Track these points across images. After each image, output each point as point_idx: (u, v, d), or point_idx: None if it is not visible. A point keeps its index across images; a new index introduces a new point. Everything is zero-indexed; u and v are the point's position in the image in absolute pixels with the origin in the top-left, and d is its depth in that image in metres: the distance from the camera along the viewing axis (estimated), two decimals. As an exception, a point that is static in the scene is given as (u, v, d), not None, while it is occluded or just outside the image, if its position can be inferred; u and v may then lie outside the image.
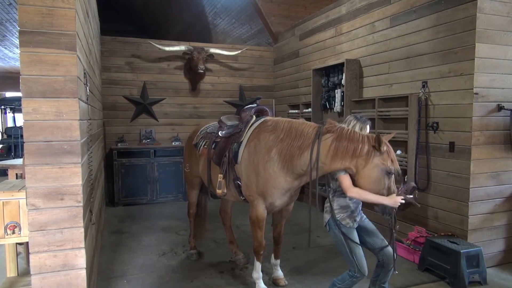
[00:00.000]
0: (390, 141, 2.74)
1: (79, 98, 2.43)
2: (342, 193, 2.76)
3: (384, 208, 2.70)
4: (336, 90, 5.73)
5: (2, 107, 11.78)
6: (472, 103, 3.72)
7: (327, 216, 2.88)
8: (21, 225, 2.59)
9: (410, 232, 4.29)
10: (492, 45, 3.72)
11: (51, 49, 2.30)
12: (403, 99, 4.50)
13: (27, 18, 2.25)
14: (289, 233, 4.95)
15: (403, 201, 2.64)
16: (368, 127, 2.95)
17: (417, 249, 4.02)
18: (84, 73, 2.91)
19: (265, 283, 3.44)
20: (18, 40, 2.31)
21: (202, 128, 4.11)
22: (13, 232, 2.59)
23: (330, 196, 2.87)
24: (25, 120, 2.29)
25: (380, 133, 4.71)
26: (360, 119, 2.93)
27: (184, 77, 7.48)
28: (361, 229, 2.90)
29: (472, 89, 3.71)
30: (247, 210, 3.39)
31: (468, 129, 3.77)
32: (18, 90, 12.01)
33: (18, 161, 4.90)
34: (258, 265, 3.40)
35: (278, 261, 3.63)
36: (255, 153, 3.18)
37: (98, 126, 4.82)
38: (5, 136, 11.33)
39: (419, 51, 4.32)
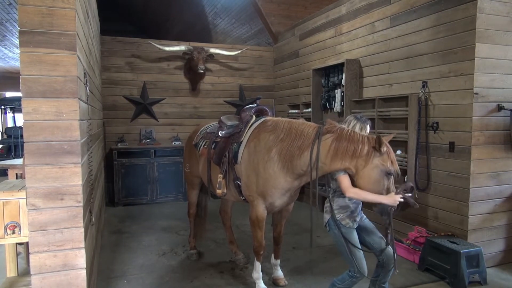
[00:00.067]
0: (390, 141, 2.75)
1: (79, 98, 2.43)
2: (342, 193, 2.76)
3: (382, 208, 2.70)
4: (336, 90, 5.74)
5: (2, 107, 11.78)
6: (472, 103, 3.72)
7: (327, 216, 2.88)
8: (21, 225, 2.59)
9: (410, 232, 4.29)
10: (492, 45, 3.73)
11: (51, 49, 2.30)
12: (403, 99, 4.50)
13: (27, 18, 2.25)
14: (289, 233, 4.95)
15: (402, 200, 2.64)
16: (368, 127, 2.95)
17: (417, 249, 4.02)
18: (84, 73, 2.91)
19: (265, 283, 3.44)
20: (18, 40, 2.31)
21: (202, 128, 4.11)
22: (13, 232, 2.59)
23: (330, 196, 2.87)
24: (25, 120, 2.29)
25: (380, 133, 4.72)
26: (360, 119, 2.93)
27: (184, 77, 7.48)
28: (361, 229, 2.90)
29: (472, 89, 3.71)
30: (247, 210, 3.39)
31: (468, 129, 3.77)
32: (18, 90, 12.00)
33: (18, 161, 4.90)
34: (258, 265, 3.40)
35: (278, 261, 3.63)
36: (255, 153, 3.18)
37: (98, 126, 4.82)
38: (5, 136, 11.33)
39: (419, 51, 4.32)
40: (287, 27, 7.45)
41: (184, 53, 7.14)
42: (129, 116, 7.19)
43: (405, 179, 4.28)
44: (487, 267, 3.67)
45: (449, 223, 4.00)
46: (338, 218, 2.79)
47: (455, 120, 3.92)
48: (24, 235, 2.60)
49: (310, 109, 6.31)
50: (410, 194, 2.70)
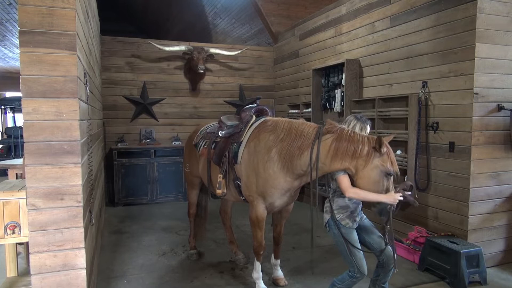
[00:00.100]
0: (390, 142, 2.74)
1: (79, 98, 2.43)
2: (341, 193, 2.76)
3: (381, 208, 2.70)
4: (336, 90, 5.74)
5: (2, 107, 11.79)
6: (472, 103, 3.72)
7: (326, 216, 2.88)
8: (21, 225, 2.59)
9: (410, 232, 4.29)
10: (492, 45, 3.72)
11: (51, 49, 2.30)
12: (403, 99, 4.50)
13: (27, 18, 2.25)
14: (289, 233, 4.95)
15: (402, 198, 2.64)
16: (368, 127, 2.95)
17: (417, 249, 4.02)
18: (84, 73, 2.91)
19: (265, 283, 3.44)
20: (18, 40, 2.31)
21: (202, 128, 4.11)
22: (13, 232, 2.59)
23: (330, 196, 2.87)
24: (25, 120, 2.29)
25: (380, 133, 4.72)
26: (361, 119, 2.93)
27: (184, 77, 7.48)
28: (361, 229, 2.90)
29: (472, 89, 3.71)
30: (247, 210, 3.39)
31: (468, 129, 3.77)
32: (18, 90, 12.01)
33: (18, 161, 4.90)
34: (258, 265, 3.40)
35: (278, 261, 3.63)
36: (255, 153, 3.18)
37: (98, 126, 4.82)
38: (5, 136, 11.33)
39: (419, 51, 4.32)
40: (287, 27, 7.45)
41: (184, 53, 7.14)
42: (129, 116, 7.19)
43: (405, 179, 4.28)
44: (487, 267, 3.67)
45: (449, 223, 4.00)
46: (338, 218, 2.79)
47: (455, 120, 3.92)
48: (24, 235, 2.60)
49: (310, 109, 6.31)
50: (410, 193, 2.71)
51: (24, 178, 2.50)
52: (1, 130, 12.63)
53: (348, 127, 2.86)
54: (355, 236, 2.82)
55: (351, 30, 5.51)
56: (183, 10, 10.02)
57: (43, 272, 2.37)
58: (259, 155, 3.14)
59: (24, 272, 3.31)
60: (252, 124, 3.38)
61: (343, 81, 5.44)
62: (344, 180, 2.71)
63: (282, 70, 7.72)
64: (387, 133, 4.67)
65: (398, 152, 4.51)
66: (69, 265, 2.43)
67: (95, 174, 3.86)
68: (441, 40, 4.04)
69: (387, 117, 4.76)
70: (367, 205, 2.89)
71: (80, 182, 2.41)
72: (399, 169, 2.77)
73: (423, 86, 4.22)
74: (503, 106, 3.81)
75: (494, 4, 3.70)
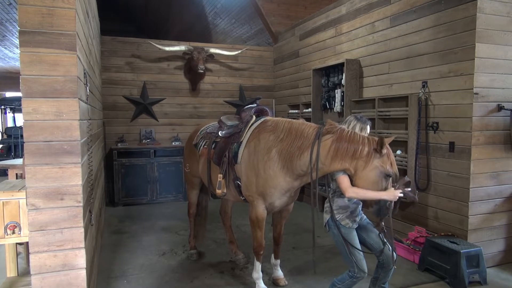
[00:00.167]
0: (390, 142, 2.74)
1: (79, 98, 2.43)
2: (341, 194, 2.76)
3: (379, 209, 2.70)
4: (336, 90, 5.73)
5: (2, 107, 11.79)
6: (472, 103, 3.72)
7: (326, 217, 2.88)
8: (21, 225, 2.59)
9: (410, 232, 4.29)
10: (492, 45, 3.72)
11: (51, 49, 2.30)
12: (403, 99, 4.50)
13: (27, 18, 2.25)
14: (289, 233, 4.95)
15: (402, 195, 2.64)
16: (368, 127, 2.95)
17: (417, 249, 4.02)
18: (84, 73, 2.91)
19: (265, 283, 3.44)
20: (18, 40, 2.31)
21: (202, 128, 4.11)
22: (13, 232, 2.59)
23: (330, 197, 2.87)
24: (25, 120, 2.29)
25: (380, 133, 4.72)
26: (361, 119, 2.93)
27: (184, 77, 7.48)
28: (361, 229, 2.90)
29: (472, 89, 3.71)
30: (247, 210, 3.39)
31: (468, 129, 3.77)
32: (18, 90, 12.01)
33: (18, 161, 4.90)
34: (258, 265, 3.40)
35: (278, 261, 3.63)
36: (255, 153, 3.18)
37: (98, 126, 4.82)
38: (5, 136, 11.34)
39: (419, 51, 4.32)
40: (287, 27, 7.45)
41: (184, 53, 7.14)
42: (129, 116, 7.19)
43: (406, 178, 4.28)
44: (487, 267, 3.67)
45: (449, 223, 4.00)
46: (337, 219, 2.79)
47: (455, 120, 3.92)
48: (24, 235, 2.60)
49: (310, 109, 6.31)
50: (409, 189, 2.70)
51: (24, 178, 2.50)
52: (1, 130, 12.64)
53: (348, 128, 2.86)
54: (355, 236, 2.82)
55: (351, 30, 5.51)
56: (183, 10, 10.02)
57: (43, 272, 2.37)
58: (259, 155, 3.14)
59: (24, 272, 3.31)
60: (252, 124, 3.38)
61: (343, 81, 5.44)
62: (344, 180, 2.71)
63: (282, 70, 7.72)
64: (387, 133, 4.67)
65: (398, 152, 4.51)
66: (69, 265, 2.43)
67: (95, 174, 3.86)
68: (441, 40, 4.04)
69: (387, 117, 4.76)
70: (365, 206, 2.88)
71: (80, 182, 2.41)
72: (399, 169, 2.77)
73: (423, 86, 4.22)
74: (503, 106, 3.81)
75: (494, 4, 3.70)
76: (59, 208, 2.37)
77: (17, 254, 3.15)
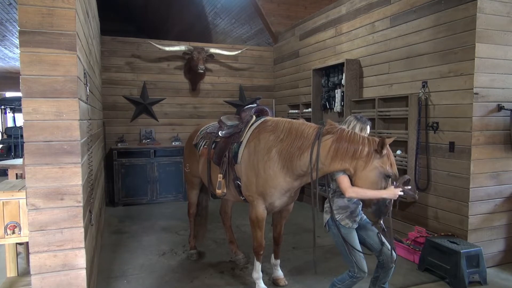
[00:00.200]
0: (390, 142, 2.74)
1: (79, 98, 2.43)
2: (341, 194, 2.76)
3: (379, 208, 2.70)
4: (336, 90, 5.73)
5: (2, 107, 11.79)
6: (472, 103, 3.72)
7: (326, 217, 2.88)
8: (21, 225, 2.59)
9: (410, 232, 4.29)
10: (492, 45, 3.72)
11: (51, 49, 2.30)
12: (403, 99, 4.50)
13: (27, 18, 2.25)
14: (289, 233, 4.95)
15: (402, 193, 2.64)
16: (368, 127, 2.95)
17: (417, 249, 4.02)
18: (84, 73, 2.91)
19: (265, 283, 3.44)
20: (18, 40, 2.31)
21: (202, 128, 4.11)
22: (13, 232, 2.59)
23: (330, 197, 2.87)
24: (25, 120, 2.29)
25: (380, 133, 4.72)
26: (361, 120, 2.93)
27: (184, 77, 7.48)
28: (361, 229, 2.90)
29: (472, 89, 3.71)
30: (247, 210, 3.39)
31: (468, 129, 3.77)
32: (18, 90, 12.01)
33: (18, 161, 4.90)
34: (258, 265, 3.40)
35: (278, 261, 3.63)
36: (255, 153, 3.18)
37: (98, 126, 4.82)
38: (5, 136, 11.34)
39: (419, 51, 4.32)
40: (287, 27, 7.45)
41: (184, 53, 7.14)
42: (129, 116, 7.19)
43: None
44: (487, 267, 3.67)
45: (449, 223, 4.00)
46: (337, 219, 2.79)
47: (455, 120, 3.92)
48: (24, 235, 2.60)
49: (310, 109, 6.31)
50: (409, 187, 2.71)
51: (24, 178, 2.50)
52: (1, 130, 12.64)
53: (348, 128, 2.86)
54: (355, 236, 2.82)
55: (351, 30, 5.51)
56: (183, 10, 10.02)
57: (43, 272, 2.37)
58: (259, 155, 3.14)
59: (24, 272, 3.31)
60: (252, 124, 3.38)
61: (343, 81, 5.44)
62: (344, 180, 2.71)
63: (282, 70, 7.72)
64: (387, 133, 4.67)
65: (398, 152, 4.51)
66: (69, 265, 2.43)
67: (95, 174, 3.86)
68: (441, 40, 4.04)
69: (387, 117, 4.76)
70: (365, 206, 2.88)
71: (80, 182, 2.41)
72: (399, 169, 2.77)
73: (423, 86, 4.22)
74: (503, 106, 3.81)
75: (494, 4, 3.70)
76: (59, 208, 2.37)
77: (17, 254, 3.15)
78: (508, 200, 3.96)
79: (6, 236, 2.58)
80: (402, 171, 4.25)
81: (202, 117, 7.52)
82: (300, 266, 4.02)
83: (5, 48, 11.07)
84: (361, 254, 2.75)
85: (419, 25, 4.31)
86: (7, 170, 4.69)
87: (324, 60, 6.16)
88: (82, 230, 2.44)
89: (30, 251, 2.35)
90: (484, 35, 3.69)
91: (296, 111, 6.93)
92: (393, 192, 2.61)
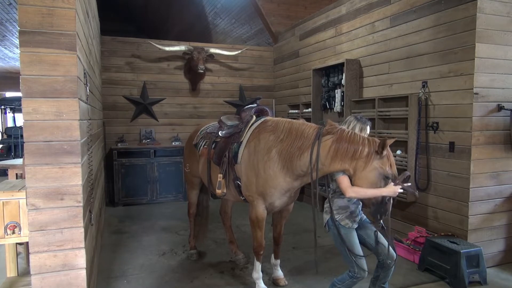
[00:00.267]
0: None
1: (79, 98, 2.43)
2: (341, 194, 2.76)
3: (378, 208, 2.70)
4: (336, 90, 5.73)
5: (2, 107, 11.79)
6: (472, 103, 3.72)
7: (326, 217, 2.88)
8: (21, 225, 2.59)
9: (410, 232, 4.29)
10: (492, 45, 3.72)
11: (51, 49, 2.30)
12: (403, 99, 4.50)
13: (27, 18, 2.25)
14: (289, 233, 4.95)
15: (402, 190, 2.64)
16: (368, 128, 2.95)
17: (417, 249, 4.02)
18: (84, 73, 2.91)
19: (265, 283, 3.44)
20: (18, 40, 2.31)
21: (202, 128, 4.11)
22: (13, 232, 2.59)
23: (330, 197, 2.87)
24: (25, 120, 2.29)
25: (380, 133, 4.72)
26: (361, 120, 2.93)
27: (184, 77, 7.48)
28: (361, 229, 2.90)
29: (472, 89, 3.71)
30: (247, 210, 3.39)
31: (468, 129, 3.77)
32: (18, 90, 12.01)
33: (18, 161, 4.90)
34: (258, 265, 3.40)
35: (278, 261, 3.63)
36: (255, 153, 3.18)
37: (98, 126, 4.82)
38: (5, 136, 11.34)
39: (419, 51, 4.32)
40: (287, 27, 7.45)
41: (184, 53, 7.14)
42: (129, 116, 7.19)
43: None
44: (487, 267, 3.67)
45: (449, 223, 4.00)
46: (337, 219, 2.80)
47: (455, 120, 3.92)
48: (24, 235, 2.60)
49: (310, 109, 6.31)
50: (409, 184, 2.71)
51: (24, 178, 2.50)
52: (1, 130, 12.64)
53: (348, 128, 2.86)
54: (354, 236, 2.81)
55: (351, 30, 5.51)
56: (183, 10, 10.02)
57: (43, 272, 2.37)
58: (259, 155, 3.14)
59: (24, 272, 3.31)
60: (252, 124, 3.38)
61: (343, 81, 5.44)
62: (344, 181, 2.71)
63: (282, 70, 7.72)
64: (387, 133, 4.67)
65: (398, 152, 4.51)
66: (69, 265, 2.43)
67: (95, 174, 3.86)
68: (441, 40, 4.04)
69: (387, 117, 4.76)
70: (365, 206, 2.88)
71: (80, 182, 2.41)
72: (399, 169, 2.77)
73: (423, 86, 4.22)
74: (503, 106, 3.81)
75: (494, 4, 3.70)
76: (59, 208, 2.37)
77: (17, 254, 3.15)
78: (508, 200, 3.96)
79: (6, 236, 2.58)
80: (402, 171, 4.23)
81: (202, 117, 7.52)
82: (300, 266, 4.02)
83: (5, 48, 11.07)
84: (361, 255, 2.75)
85: (419, 25, 4.31)
86: (7, 170, 4.69)
87: (324, 60, 6.16)
88: (82, 230, 2.44)
89: (30, 251, 2.35)
90: (484, 35, 3.69)
91: (296, 111, 6.93)
92: (393, 190, 2.61)
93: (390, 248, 2.80)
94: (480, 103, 3.74)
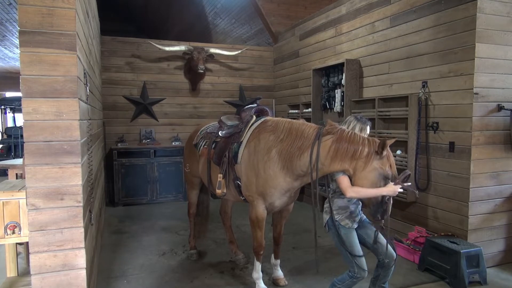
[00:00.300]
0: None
1: (79, 98, 2.43)
2: (341, 194, 2.76)
3: (377, 208, 2.70)
4: (336, 90, 5.73)
5: (2, 107, 11.80)
6: (472, 103, 3.72)
7: (326, 217, 2.88)
8: (21, 225, 2.59)
9: (410, 232, 4.29)
10: (492, 45, 3.72)
11: (51, 49, 2.30)
12: (403, 99, 4.50)
13: (27, 18, 2.25)
14: (289, 233, 4.95)
15: (402, 190, 2.64)
16: (368, 128, 2.95)
17: (417, 249, 4.02)
18: (84, 73, 2.91)
19: (265, 283, 3.44)
20: (18, 40, 2.31)
21: (202, 128, 4.11)
22: (13, 232, 2.59)
23: (330, 197, 2.87)
24: (25, 120, 2.29)
25: (380, 133, 4.72)
26: (361, 120, 2.93)
27: (184, 77, 7.48)
28: (361, 229, 2.90)
29: (472, 89, 3.71)
30: (247, 210, 3.39)
31: (468, 129, 3.77)
32: (18, 90, 12.02)
33: (18, 161, 4.90)
34: (258, 265, 3.40)
35: (278, 261, 3.63)
36: (255, 153, 3.18)
37: (98, 126, 4.82)
38: (5, 136, 11.34)
39: (419, 51, 4.32)
40: (287, 27, 7.45)
41: (184, 53, 7.14)
42: (129, 116, 7.19)
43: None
44: (487, 267, 3.67)
45: (449, 223, 4.00)
46: (337, 219, 2.80)
47: (455, 120, 3.92)
48: (24, 235, 2.60)
49: (310, 109, 6.31)
50: (409, 183, 2.71)
51: (24, 178, 2.50)
52: (1, 130, 12.64)
53: (348, 128, 2.87)
54: (354, 236, 2.81)
55: (351, 30, 5.51)
56: (183, 10, 10.02)
57: (43, 272, 2.37)
58: (259, 155, 3.14)
59: (24, 272, 3.31)
60: (252, 124, 3.38)
61: (343, 81, 5.44)
62: (344, 181, 2.71)
63: (282, 70, 7.72)
64: (387, 133, 4.67)
65: (398, 152, 4.51)
66: (69, 265, 2.43)
67: (95, 174, 3.86)
68: (441, 40, 4.04)
69: (387, 117, 4.76)
70: (365, 206, 2.89)
71: (80, 182, 2.41)
72: (399, 169, 2.77)
73: (423, 86, 4.22)
74: (503, 106, 3.81)
75: (494, 4, 3.70)
76: (59, 208, 2.37)
77: (17, 254, 3.15)
78: (508, 200, 3.96)
79: (6, 236, 2.58)
80: (402, 171, 4.24)
81: (202, 117, 7.52)
82: (300, 266, 4.02)
83: (5, 48, 11.07)
84: (361, 255, 2.75)
85: (419, 25, 4.31)
86: (7, 170, 4.69)
87: (324, 60, 6.16)
88: (82, 230, 2.44)
89: (30, 251, 2.35)
90: (484, 35, 3.69)
91: (296, 111, 6.93)
92: (392, 189, 2.61)
93: (389, 247, 2.80)
94: (480, 103, 3.74)
